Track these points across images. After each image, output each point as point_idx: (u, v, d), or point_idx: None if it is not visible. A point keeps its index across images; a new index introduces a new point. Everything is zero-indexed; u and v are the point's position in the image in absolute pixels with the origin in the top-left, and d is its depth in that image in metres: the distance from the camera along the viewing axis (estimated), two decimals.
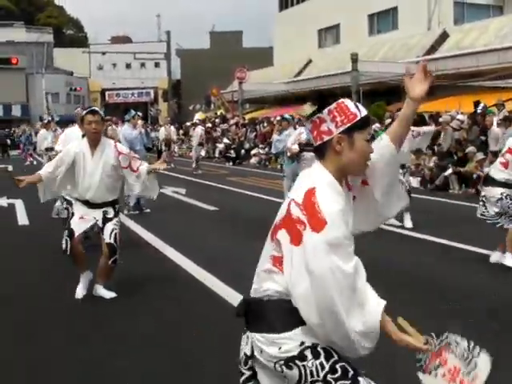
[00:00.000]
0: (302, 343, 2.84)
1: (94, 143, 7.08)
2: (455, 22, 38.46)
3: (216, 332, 6.14)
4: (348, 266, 2.74)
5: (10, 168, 29.10)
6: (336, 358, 2.87)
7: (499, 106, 20.76)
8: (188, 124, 41.38)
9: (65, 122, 42.35)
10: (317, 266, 2.73)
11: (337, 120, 2.92)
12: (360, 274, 2.82)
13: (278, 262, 2.92)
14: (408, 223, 11.82)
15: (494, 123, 18.83)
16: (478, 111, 20.33)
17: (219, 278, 8.07)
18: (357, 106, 2.96)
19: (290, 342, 2.85)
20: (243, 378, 3.02)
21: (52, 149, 21.72)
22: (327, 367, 2.84)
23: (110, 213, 7.22)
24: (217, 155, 35.15)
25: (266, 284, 2.96)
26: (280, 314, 2.89)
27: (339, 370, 2.85)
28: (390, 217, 3.41)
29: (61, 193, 7.98)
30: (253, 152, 31.91)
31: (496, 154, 18.15)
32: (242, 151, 32.72)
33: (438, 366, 2.92)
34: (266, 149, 29.33)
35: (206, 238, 11.27)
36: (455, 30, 34.56)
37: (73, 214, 7.27)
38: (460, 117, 20.15)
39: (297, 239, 2.80)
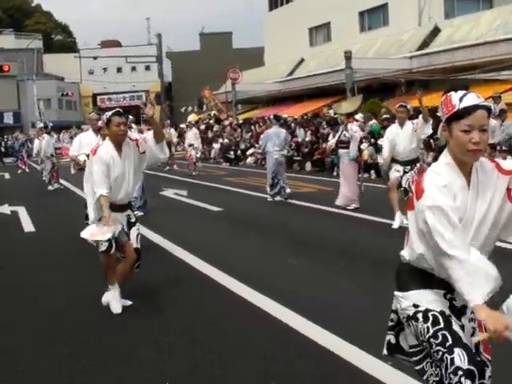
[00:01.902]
0: (416, 305, 3.33)
1: (120, 145, 6.97)
2: (446, 17, 38.45)
3: (239, 328, 6.21)
4: (442, 228, 3.13)
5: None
6: (442, 326, 3.24)
7: (496, 98, 20.85)
8: (182, 126, 41.42)
9: (57, 128, 42.25)
10: (421, 223, 3.22)
11: (444, 111, 3.27)
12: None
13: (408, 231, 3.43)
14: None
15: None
16: None
17: (235, 278, 8.15)
18: (461, 99, 3.21)
19: (405, 301, 3.38)
20: (388, 325, 3.64)
21: (53, 155, 21.96)
22: (431, 332, 3.24)
23: (133, 217, 7.17)
24: (212, 156, 35.24)
25: (403, 250, 3.50)
26: (406, 275, 3.45)
27: (440, 336, 3.22)
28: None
29: None
30: (249, 152, 31.98)
31: (494, 147, 18.31)
32: (238, 151, 32.82)
33: None
34: None
35: (215, 239, 11.34)
36: (446, 24, 34.61)
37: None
38: None
39: (411, 206, 3.33)
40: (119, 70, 79.69)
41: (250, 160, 31.39)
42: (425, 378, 3.37)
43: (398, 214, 11.51)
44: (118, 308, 6.94)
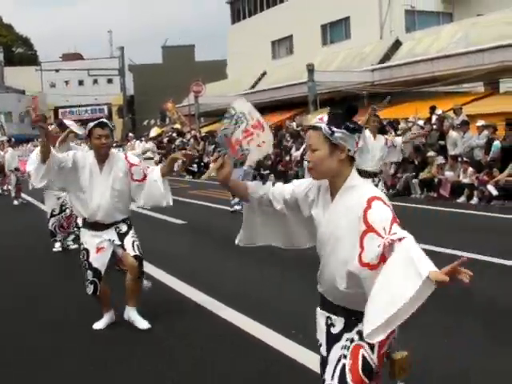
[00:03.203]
0: None
1: (103, 158, 6.48)
2: (407, 30, 38.90)
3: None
4: None
5: None
6: None
7: (457, 110, 21.06)
8: (142, 139, 41.27)
9: (19, 142, 41.76)
10: None
11: None
12: None
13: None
14: None
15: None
16: (435, 117, 20.66)
17: (202, 291, 8.13)
18: None
19: None
20: None
21: (18, 169, 21.63)
22: None
23: (123, 227, 6.62)
24: (175, 169, 35.05)
25: None
26: None
27: None
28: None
29: (53, 186, 6.75)
30: (212, 165, 31.85)
31: (455, 158, 18.48)
32: (201, 164, 32.73)
33: (241, 147, 3.51)
34: None
35: (179, 251, 11.34)
36: (407, 37, 34.93)
37: (87, 250, 6.53)
38: (420, 122, 20.40)
39: None
40: (81, 82, 79.24)
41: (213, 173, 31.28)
42: None
43: None
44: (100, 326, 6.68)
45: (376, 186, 11.28)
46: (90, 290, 6.53)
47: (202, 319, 7.00)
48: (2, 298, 8.35)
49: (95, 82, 78.07)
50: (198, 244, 12.38)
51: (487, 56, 25.17)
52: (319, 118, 3.27)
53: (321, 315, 3.41)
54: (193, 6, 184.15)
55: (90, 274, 6.51)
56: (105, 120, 6.67)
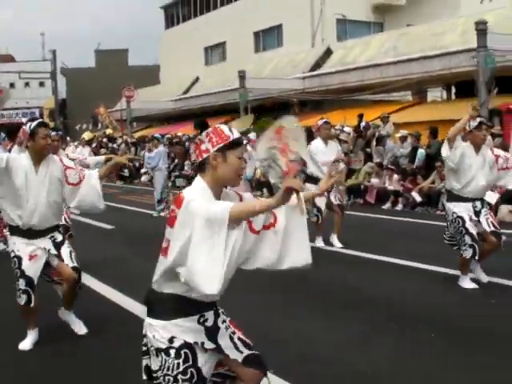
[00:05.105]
0: (171, 340, 3.50)
1: (40, 159, 6.20)
2: (338, 39, 39.38)
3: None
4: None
5: None
6: (191, 363, 3.50)
7: (384, 118, 21.46)
8: (75, 144, 40.73)
9: None
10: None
11: (213, 141, 3.51)
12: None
13: (165, 250, 3.51)
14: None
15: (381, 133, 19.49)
16: (362, 125, 21.04)
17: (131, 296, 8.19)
18: (230, 130, 3.55)
19: (161, 331, 3.51)
20: (141, 350, 3.69)
21: None
22: (181, 368, 3.49)
23: (58, 236, 6.41)
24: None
25: (155, 275, 3.60)
26: (162, 304, 3.55)
27: (189, 373, 3.49)
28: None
29: None
30: (143, 170, 31.72)
31: (381, 166, 18.82)
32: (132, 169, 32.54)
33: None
34: None
35: (107, 256, 11.27)
36: (339, 46, 35.39)
37: (19, 258, 6.19)
38: (347, 129, 20.70)
39: (172, 221, 3.43)
40: (12, 85, 77.81)
41: (144, 178, 31.15)
42: None
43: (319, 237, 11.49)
44: (26, 347, 6.34)
45: (329, 192, 11.22)
46: (22, 300, 6.19)
47: (128, 321, 7.07)
48: None
49: (27, 84, 76.87)
50: (126, 248, 12.37)
51: (414, 66, 25.65)
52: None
53: (191, 321, 3.56)
54: (127, 11, 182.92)
55: (22, 282, 6.17)
56: (43, 120, 6.49)
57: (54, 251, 6.29)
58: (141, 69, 71.19)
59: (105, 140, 41.08)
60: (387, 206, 17.83)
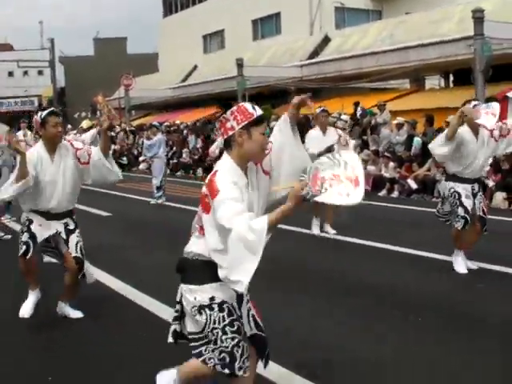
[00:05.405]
0: (212, 298, 3.78)
1: (54, 147, 6.48)
2: (336, 27, 39.38)
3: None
4: (235, 222, 3.47)
5: None
6: (235, 317, 3.83)
7: (381, 106, 21.51)
8: (74, 132, 40.74)
9: None
10: (218, 223, 3.57)
11: (237, 119, 3.78)
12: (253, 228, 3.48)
13: (201, 230, 3.78)
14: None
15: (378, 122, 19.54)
16: (358, 112, 21.08)
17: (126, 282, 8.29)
18: (254, 107, 3.81)
19: (201, 294, 3.79)
20: (173, 316, 4.07)
21: None
22: (227, 321, 3.78)
23: (71, 224, 6.63)
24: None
25: (191, 247, 3.88)
26: (198, 270, 3.83)
27: (235, 326, 3.81)
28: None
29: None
30: (141, 158, 31.73)
31: (377, 153, 18.90)
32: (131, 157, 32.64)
33: (322, 185, 3.57)
34: None
35: (102, 242, 11.20)
36: (337, 34, 35.36)
37: (30, 221, 6.52)
38: (344, 117, 20.71)
39: (207, 209, 3.70)
40: (10, 74, 77.60)
41: (142, 166, 31.18)
42: (201, 359, 3.84)
43: (316, 220, 11.49)
44: (26, 312, 6.73)
45: None
46: (21, 250, 6.45)
47: (125, 308, 7.21)
48: None
49: (25, 73, 76.64)
50: (121, 235, 12.44)
51: (412, 54, 25.66)
52: None
53: (225, 285, 3.75)
54: None
55: (26, 235, 6.46)
56: (55, 109, 6.69)
57: (64, 235, 6.53)
58: (139, 57, 70.98)
59: None
60: (383, 193, 17.93)
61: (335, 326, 6.44)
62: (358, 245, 10.53)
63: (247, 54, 35.20)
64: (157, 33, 58.34)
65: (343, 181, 3.59)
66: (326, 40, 34.67)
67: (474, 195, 8.39)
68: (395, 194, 17.66)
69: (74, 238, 6.56)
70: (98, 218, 14.71)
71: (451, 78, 30.25)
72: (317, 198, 3.57)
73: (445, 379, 5.07)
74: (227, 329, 3.76)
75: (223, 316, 3.77)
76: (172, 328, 4.07)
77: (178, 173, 28.09)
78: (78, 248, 6.55)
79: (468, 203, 8.26)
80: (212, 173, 3.76)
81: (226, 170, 3.75)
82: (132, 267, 9.36)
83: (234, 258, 3.50)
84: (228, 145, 3.84)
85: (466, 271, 8.39)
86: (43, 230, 6.49)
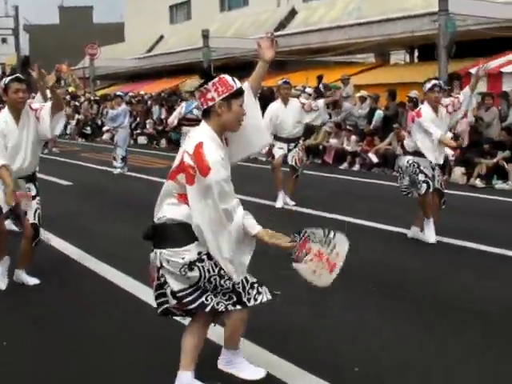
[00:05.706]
0: (200, 252, 3.91)
1: (18, 113, 6.50)
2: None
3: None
4: (222, 205, 3.81)
5: None
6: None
7: (344, 80, 21.58)
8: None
9: None
10: (203, 201, 3.80)
11: (219, 90, 3.91)
12: (236, 211, 3.90)
13: (183, 197, 3.90)
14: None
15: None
16: (321, 86, 21.14)
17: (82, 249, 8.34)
18: (234, 80, 3.96)
19: (188, 253, 3.90)
20: (155, 284, 4.09)
21: None
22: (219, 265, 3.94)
23: (33, 190, 6.70)
24: (68, 132, 34.46)
25: (169, 213, 3.95)
26: (179, 233, 3.92)
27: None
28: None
29: None
30: (105, 128, 31.50)
31: (339, 126, 18.99)
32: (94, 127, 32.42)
33: (306, 254, 3.93)
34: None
35: (61, 211, 11.12)
36: (303, 6, 35.23)
37: None
38: (308, 90, 20.78)
39: (191, 180, 3.82)
40: None
41: (105, 136, 30.98)
42: (209, 308, 3.99)
43: (280, 194, 11.53)
44: (1, 284, 6.70)
45: (290, 150, 11.48)
46: None
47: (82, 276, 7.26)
48: None
49: None
50: (81, 204, 12.42)
51: (376, 28, 25.77)
52: None
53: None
54: None
55: None
56: (20, 75, 6.68)
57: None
58: (106, 26, 70.38)
59: (67, 98, 40.68)
60: (344, 166, 18.04)
61: (315, 309, 6.13)
62: (318, 217, 10.60)
63: (214, 26, 35.03)
64: (123, 2, 57.72)
65: (323, 262, 3.94)
66: (293, 12, 34.59)
67: (433, 169, 8.63)
68: (356, 167, 17.77)
69: (33, 205, 6.61)
70: (59, 187, 14.63)
71: (416, 53, 30.39)
72: (294, 265, 3.98)
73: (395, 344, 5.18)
74: (222, 272, 3.94)
75: (215, 263, 3.92)
76: (155, 294, 4.16)
77: (142, 142, 27.98)
78: (37, 215, 6.62)
79: (427, 171, 8.52)
80: (197, 143, 3.87)
81: (209, 140, 3.90)
82: (90, 235, 9.37)
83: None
84: (207, 115, 3.98)
85: (434, 241, 8.55)
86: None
